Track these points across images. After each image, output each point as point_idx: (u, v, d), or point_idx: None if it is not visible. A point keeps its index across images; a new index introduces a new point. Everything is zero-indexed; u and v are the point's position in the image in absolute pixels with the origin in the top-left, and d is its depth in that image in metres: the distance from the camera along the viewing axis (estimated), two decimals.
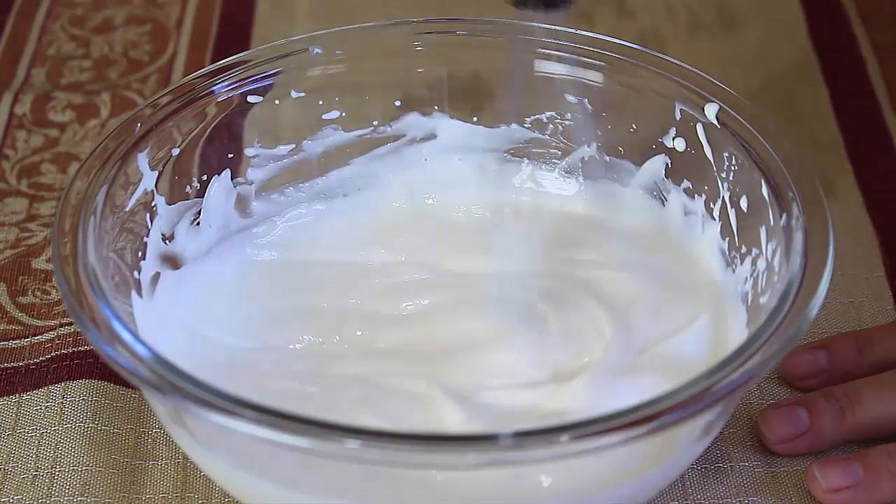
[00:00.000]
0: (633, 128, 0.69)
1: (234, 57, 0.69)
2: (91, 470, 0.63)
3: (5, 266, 0.72)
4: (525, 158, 0.72)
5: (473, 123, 0.72)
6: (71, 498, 0.62)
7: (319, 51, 0.69)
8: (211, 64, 0.72)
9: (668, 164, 0.68)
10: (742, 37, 0.89)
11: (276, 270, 0.68)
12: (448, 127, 0.72)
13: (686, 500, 0.61)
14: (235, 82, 0.68)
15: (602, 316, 0.64)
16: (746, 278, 0.63)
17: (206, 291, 0.66)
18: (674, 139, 0.68)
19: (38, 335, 0.69)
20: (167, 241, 0.66)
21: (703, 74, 0.67)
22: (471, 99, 0.72)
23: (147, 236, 0.65)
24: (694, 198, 0.68)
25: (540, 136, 0.71)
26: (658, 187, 0.69)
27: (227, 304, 0.66)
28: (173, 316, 0.64)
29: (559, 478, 0.55)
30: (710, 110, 0.66)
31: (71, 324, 0.69)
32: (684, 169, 0.68)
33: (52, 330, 0.69)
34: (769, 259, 0.62)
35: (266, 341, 0.64)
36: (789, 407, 0.63)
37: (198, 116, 0.67)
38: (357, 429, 0.52)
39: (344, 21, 0.72)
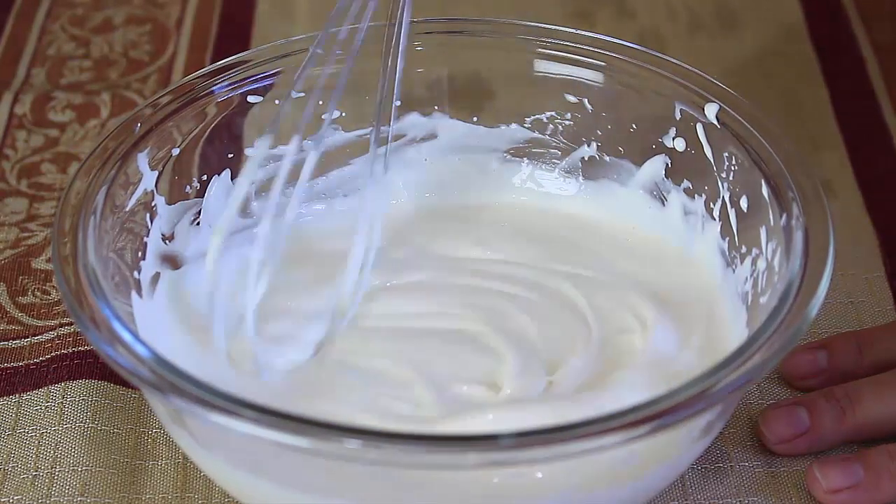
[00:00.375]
0: (633, 128, 0.69)
1: (234, 57, 0.69)
2: (91, 470, 0.62)
3: (5, 266, 0.72)
4: (525, 158, 0.72)
5: (473, 123, 0.72)
6: (71, 498, 0.61)
7: (320, 51, 0.69)
8: (211, 64, 0.72)
9: (668, 164, 0.68)
10: (742, 37, 0.89)
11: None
12: (448, 127, 0.72)
13: (686, 500, 0.61)
14: (235, 82, 0.68)
15: (590, 316, 0.64)
16: (746, 278, 0.63)
17: (206, 291, 0.66)
18: (674, 139, 0.68)
19: (38, 335, 0.69)
20: (167, 241, 0.66)
21: (703, 74, 0.67)
22: (471, 99, 0.72)
23: (147, 236, 0.65)
24: (694, 198, 0.67)
25: (540, 136, 0.71)
26: (658, 187, 0.69)
27: (227, 303, 0.65)
28: (173, 316, 0.64)
29: (559, 478, 0.55)
30: (710, 110, 0.66)
31: (71, 324, 0.69)
32: (684, 169, 0.68)
33: (52, 330, 0.69)
34: (769, 259, 0.62)
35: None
36: (789, 407, 0.63)
37: (198, 116, 0.67)
38: (357, 429, 0.52)
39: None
